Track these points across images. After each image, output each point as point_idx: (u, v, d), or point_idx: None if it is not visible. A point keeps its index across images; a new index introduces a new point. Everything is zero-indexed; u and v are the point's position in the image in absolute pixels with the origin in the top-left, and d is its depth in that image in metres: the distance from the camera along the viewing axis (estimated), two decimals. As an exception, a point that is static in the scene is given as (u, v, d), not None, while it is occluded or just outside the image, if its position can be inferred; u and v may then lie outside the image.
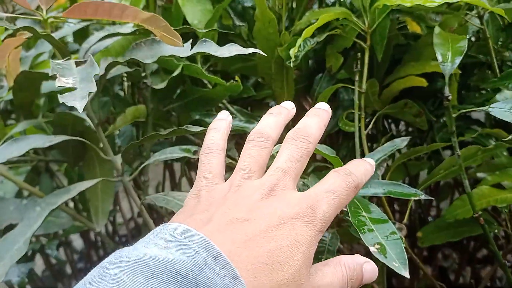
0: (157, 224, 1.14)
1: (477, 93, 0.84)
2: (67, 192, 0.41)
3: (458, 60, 0.45)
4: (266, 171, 0.34)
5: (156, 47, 0.40)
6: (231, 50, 0.37)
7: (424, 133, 0.83)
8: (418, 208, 1.04)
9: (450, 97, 0.43)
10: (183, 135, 0.62)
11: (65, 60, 0.35)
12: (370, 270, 0.33)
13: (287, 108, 0.38)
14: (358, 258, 0.33)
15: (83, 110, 0.34)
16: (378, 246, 0.41)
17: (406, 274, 0.40)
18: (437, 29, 0.51)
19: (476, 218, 0.49)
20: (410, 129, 0.86)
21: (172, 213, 0.41)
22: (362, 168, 0.34)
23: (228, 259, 0.25)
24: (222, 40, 0.75)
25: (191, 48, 0.38)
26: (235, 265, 0.25)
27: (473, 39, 0.75)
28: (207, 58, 0.67)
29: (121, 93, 0.86)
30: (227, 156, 0.67)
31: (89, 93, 0.29)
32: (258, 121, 0.68)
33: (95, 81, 0.33)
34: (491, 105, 0.42)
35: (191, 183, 0.95)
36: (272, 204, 0.30)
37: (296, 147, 0.33)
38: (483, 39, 0.68)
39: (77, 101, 0.28)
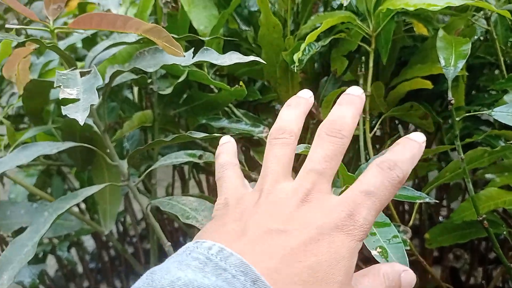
0: (164, 227, 1.15)
1: (486, 94, 0.83)
2: (75, 197, 0.42)
3: (461, 64, 0.45)
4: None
5: (159, 56, 0.41)
6: (232, 58, 0.38)
7: (432, 134, 0.83)
8: (428, 208, 1.03)
9: (453, 101, 0.43)
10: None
11: (70, 71, 0.36)
12: (408, 279, 0.30)
13: (305, 97, 0.36)
14: (396, 267, 0.31)
15: (89, 117, 0.35)
16: (380, 250, 0.41)
17: (409, 277, 0.40)
18: (441, 32, 0.51)
19: (480, 219, 0.49)
20: (418, 130, 0.85)
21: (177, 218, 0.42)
22: (408, 154, 0.29)
23: (268, 283, 0.23)
24: (228, 45, 0.76)
25: (193, 56, 0.39)
26: (275, 284, 0.24)
27: (484, 38, 0.74)
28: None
29: (131, 97, 0.88)
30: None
31: (91, 104, 0.30)
32: (264, 124, 0.69)
33: (100, 90, 0.33)
34: (495, 109, 0.42)
35: (199, 185, 0.96)
36: (308, 212, 0.27)
37: (330, 143, 0.30)
38: (490, 40, 0.67)
39: (79, 113, 0.29)
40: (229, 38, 0.63)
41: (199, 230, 0.33)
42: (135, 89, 0.89)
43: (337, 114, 0.31)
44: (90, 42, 0.66)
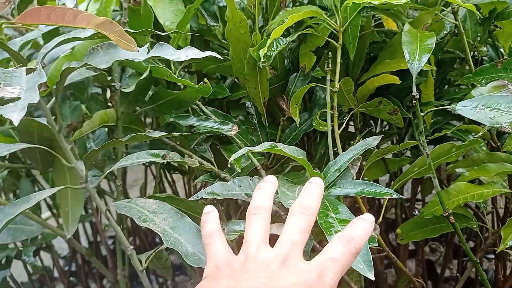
0: (130, 231, 1.09)
1: (456, 88, 0.84)
2: (27, 201, 0.40)
3: (425, 58, 0.45)
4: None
5: (112, 51, 0.39)
6: (188, 53, 0.36)
7: (403, 129, 0.83)
8: (406, 202, 1.04)
9: (417, 96, 0.43)
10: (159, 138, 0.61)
11: (16, 68, 0.34)
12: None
13: (271, 181, 0.44)
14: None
15: (43, 117, 0.33)
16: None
17: (371, 276, 0.40)
18: (406, 26, 0.51)
19: (445, 215, 0.49)
20: (388, 126, 0.86)
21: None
22: (362, 230, 0.37)
23: None
24: (198, 41, 0.74)
25: (148, 52, 0.37)
26: None
27: (453, 33, 0.75)
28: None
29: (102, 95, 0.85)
30: (202, 158, 0.67)
31: (31, 103, 0.28)
32: (234, 122, 0.67)
33: (43, 89, 0.32)
34: (458, 104, 0.42)
35: (174, 185, 0.94)
36: (287, 274, 0.35)
37: (301, 220, 0.39)
38: (459, 35, 0.68)
39: (16, 113, 0.27)
40: (195, 34, 0.62)
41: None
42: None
43: (305, 198, 0.41)
44: (51, 37, 0.63)
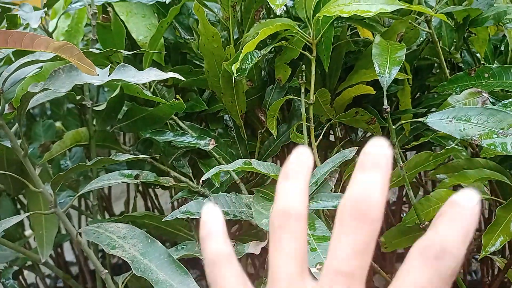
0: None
1: (435, 94, 0.84)
2: (-7, 229, 0.39)
3: (395, 71, 0.45)
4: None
5: (74, 74, 0.38)
6: (150, 75, 0.36)
7: (383, 136, 0.83)
8: (392, 206, 1.04)
9: (388, 109, 0.43)
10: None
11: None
12: None
13: (303, 159, 0.26)
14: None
15: (7, 141, 0.32)
16: (320, 267, 0.40)
17: None
18: (377, 38, 0.50)
19: (422, 227, 0.49)
20: (368, 134, 0.85)
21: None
22: (459, 231, 0.21)
23: None
24: (174, 53, 0.74)
25: (109, 73, 0.36)
26: None
27: (428, 40, 0.75)
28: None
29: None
30: (181, 173, 0.66)
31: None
32: (211, 136, 0.67)
33: (9, 111, 0.31)
34: (429, 116, 0.42)
35: (156, 200, 0.93)
36: None
37: (359, 232, 0.23)
38: (433, 42, 0.68)
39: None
40: (166, 52, 0.61)
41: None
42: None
43: (361, 188, 0.23)
44: (21, 56, 0.62)
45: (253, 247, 0.47)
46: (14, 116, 0.47)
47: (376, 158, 0.23)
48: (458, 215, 0.21)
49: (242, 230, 0.77)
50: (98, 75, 0.34)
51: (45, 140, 0.65)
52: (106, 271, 0.45)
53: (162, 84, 0.72)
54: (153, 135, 0.62)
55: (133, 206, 0.70)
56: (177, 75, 0.37)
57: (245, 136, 0.69)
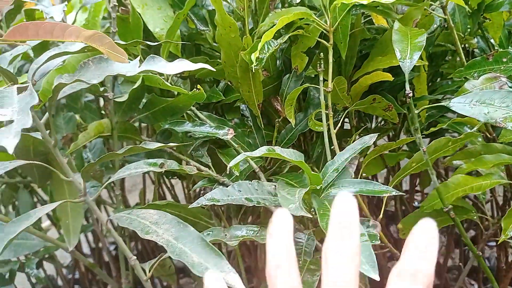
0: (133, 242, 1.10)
1: (449, 81, 0.84)
2: (27, 218, 0.40)
3: (416, 56, 0.45)
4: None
5: (103, 65, 0.39)
6: (180, 66, 0.36)
7: (398, 124, 0.83)
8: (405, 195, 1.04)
9: (410, 94, 0.43)
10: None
11: (7, 87, 0.34)
12: None
13: (282, 219, 0.28)
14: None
15: (37, 132, 0.33)
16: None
17: (376, 277, 0.40)
18: (396, 24, 0.51)
19: (445, 210, 0.49)
20: (384, 122, 0.86)
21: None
22: (429, 254, 0.24)
23: None
24: (189, 44, 0.74)
25: (140, 65, 0.37)
26: None
27: (443, 27, 0.75)
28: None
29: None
30: (199, 163, 0.67)
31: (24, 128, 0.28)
32: (229, 126, 0.67)
33: (36, 106, 0.31)
34: (452, 100, 0.42)
35: (173, 190, 0.94)
36: None
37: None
38: (449, 28, 0.68)
39: (10, 139, 0.27)
40: (186, 42, 0.62)
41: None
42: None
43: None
44: (41, 50, 0.63)
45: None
46: (41, 107, 0.48)
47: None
48: (423, 242, 0.24)
49: (260, 219, 0.77)
50: (129, 62, 0.35)
51: (66, 132, 0.66)
52: (135, 257, 0.46)
53: (178, 76, 0.73)
54: (172, 125, 0.63)
55: (153, 197, 0.71)
56: (207, 66, 0.37)
57: (262, 125, 0.70)
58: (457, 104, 0.42)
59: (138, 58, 0.38)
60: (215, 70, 0.42)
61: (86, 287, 1.21)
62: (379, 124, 0.88)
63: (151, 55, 0.37)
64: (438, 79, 0.90)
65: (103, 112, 0.83)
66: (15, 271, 0.73)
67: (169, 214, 0.40)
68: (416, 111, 0.45)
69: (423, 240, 0.24)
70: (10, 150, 0.27)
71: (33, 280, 1.01)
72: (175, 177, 0.86)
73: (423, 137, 0.85)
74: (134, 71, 0.37)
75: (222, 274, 0.36)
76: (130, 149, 0.40)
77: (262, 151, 0.45)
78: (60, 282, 1.24)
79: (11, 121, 0.29)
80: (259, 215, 0.78)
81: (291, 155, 0.47)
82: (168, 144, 0.38)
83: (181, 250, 0.38)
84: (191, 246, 0.38)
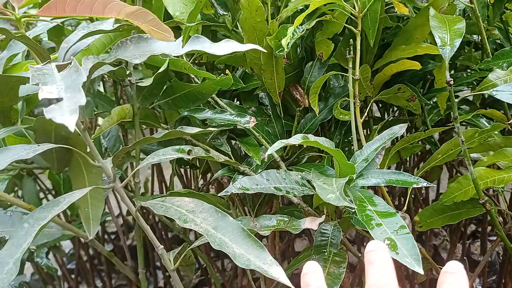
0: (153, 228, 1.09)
1: (465, 73, 0.84)
2: (57, 204, 0.38)
3: (457, 43, 0.44)
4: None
5: (143, 45, 0.37)
6: (228, 47, 0.34)
7: (414, 115, 0.82)
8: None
9: (451, 82, 0.42)
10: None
11: (44, 65, 0.32)
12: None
13: (313, 272, 0.31)
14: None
15: None
16: (388, 242, 0.40)
17: (420, 270, 0.38)
18: (432, 11, 0.49)
19: (481, 202, 0.48)
20: (398, 112, 0.85)
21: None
22: None
23: None
24: (205, 30, 0.72)
25: (183, 45, 0.35)
26: None
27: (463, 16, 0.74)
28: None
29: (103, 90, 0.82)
30: (219, 151, 0.65)
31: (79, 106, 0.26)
32: (249, 114, 0.66)
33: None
34: (496, 88, 0.41)
35: (182, 179, 0.93)
36: None
37: None
38: (472, 18, 0.67)
39: (67, 117, 0.25)
40: (208, 23, 0.60)
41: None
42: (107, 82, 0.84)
43: (379, 276, 0.29)
44: (57, 33, 0.61)
45: (310, 223, 0.47)
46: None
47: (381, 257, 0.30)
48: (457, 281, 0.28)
49: (273, 209, 0.76)
50: (175, 41, 0.33)
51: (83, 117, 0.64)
52: (162, 246, 0.45)
53: (195, 62, 0.71)
54: (192, 112, 0.61)
55: (170, 186, 0.69)
56: (257, 47, 0.36)
57: (282, 114, 0.68)
58: (502, 92, 0.41)
59: (181, 38, 0.36)
60: (266, 51, 0.40)
61: (89, 277, 1.19)
62: (394, 116, 0.88)
63: (196, 35, 0.36)
64: (452, 71, 0.89)
65: (113, 99, 0.81)
66: (25, 261, 0.71)
67: (205, 203, 0.39)
68: (458, 99, 0.44)
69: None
70: (72, 128, 0.25)
71: (33, 269, 0.99)
72: (187, 166, 0.84)
73: (443, 130, 0.84)
74: (179, 51, 0.35)
75: (265, 266, 0.35)
76: (168, 133, 0.38)
77: (297, 138, 0.44)
78: (59, 273, 1.22)
79: (58, 99, 0.27)
80: (271, 208, 0.77)
81: (324, 142, 0.46)
82: (207, 129, 0.36)
83: (221, 240, 0.36)
84: (231, 236, 0.36)
